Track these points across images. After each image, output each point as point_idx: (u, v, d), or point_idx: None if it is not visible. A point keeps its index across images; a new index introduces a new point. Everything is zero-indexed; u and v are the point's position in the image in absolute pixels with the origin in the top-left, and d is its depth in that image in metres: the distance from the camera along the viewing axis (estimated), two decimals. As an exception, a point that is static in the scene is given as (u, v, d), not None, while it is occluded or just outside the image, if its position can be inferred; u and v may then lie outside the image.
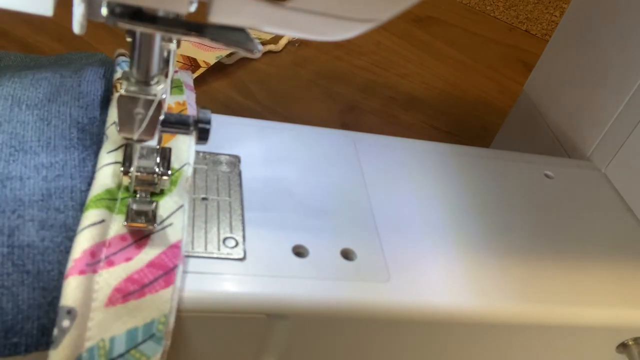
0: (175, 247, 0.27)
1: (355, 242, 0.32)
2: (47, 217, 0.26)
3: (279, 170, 0.35)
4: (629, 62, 0.44)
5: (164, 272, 0.26)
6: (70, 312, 0.23)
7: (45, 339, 0.23)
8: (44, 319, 0.23)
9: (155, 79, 0.25)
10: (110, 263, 0.25)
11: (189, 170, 0.31)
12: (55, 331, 0.23)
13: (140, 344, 0.23)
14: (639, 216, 0.41)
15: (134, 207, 0.27)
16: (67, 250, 0.25)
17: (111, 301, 0.24)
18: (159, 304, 0.25)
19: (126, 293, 0.24)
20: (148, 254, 0.26)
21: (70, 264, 0.24)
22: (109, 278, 0.25)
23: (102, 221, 0.26)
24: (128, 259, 0.25)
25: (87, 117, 0.32)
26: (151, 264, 0.26)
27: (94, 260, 0.25)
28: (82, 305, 0.23)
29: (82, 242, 0.25)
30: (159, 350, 0.24)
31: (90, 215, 0.26)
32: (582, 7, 0.50)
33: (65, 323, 0.23)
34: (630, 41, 0.44)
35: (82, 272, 0.24)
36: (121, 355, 0.23)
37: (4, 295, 0.23)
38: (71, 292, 0.23)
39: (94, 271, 0.24)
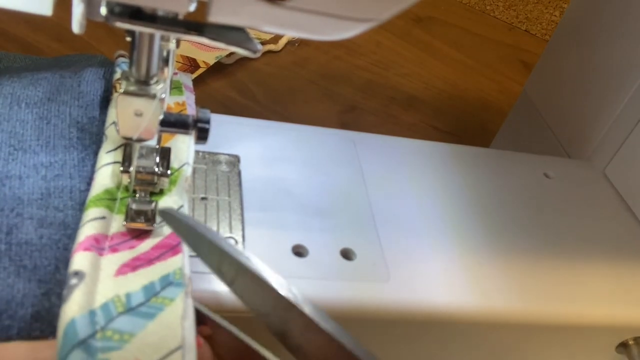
0: None
1: (355, 242, 0.32)
2: (46, 216, 0.26)
3: (279, 170, 0.35)
4: (628, 62, 0.44)
5: (169, 248, 0.26)
6: (77, 274, 0.23)
7: (38, 325, 0.23)
8: (37, 306, 0.23)
9: (155, 79, 0.25)
10: (114, 250, 0.25)
11: (188, 170, 0.31)
12: (65, 290, 0.22)
13: (159, 292, 0.23)
14: (639, 216, 0.40)
15: (134, 206, 0.27)
16: (65, 247, 0.25)
17: (120, 272, 0.24)
18: (170, 265, 0.25)
19: (134, 266, 0.24)
20: (150, 242, 0.26)
21: (75, 246, 0.24)
22: (115, 260, 0.25)
23: (103, 217, 0.26)
24: (132, 247, 0.26)
25: (86, 117, 0.32)
26: (155, 247, 0.26)
27: (98, 245, 0.25)
28: (90, 271, 0.23)
29: (86, 231, 0.25)
30: (181, 291, 0.23)
31: (91, 213, 0.26)
32: (582, 7, 0.50)
33: (73, 281, 0.22)
34: (630, 41, 0.44)
35: (87, 249, 0.24)
36: (142, 304, 0.22)
37: None
38: (77, 261, 0.23)
39: (100, 254, 0.24)
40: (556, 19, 0.92)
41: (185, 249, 0.26)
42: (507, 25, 0.92)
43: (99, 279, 0.23)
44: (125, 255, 0.25)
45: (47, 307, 0.23)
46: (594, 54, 0.48)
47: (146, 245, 0.26)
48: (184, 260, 0.25)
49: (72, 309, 0.22)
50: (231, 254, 0.21)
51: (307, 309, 0.19)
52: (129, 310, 0.22)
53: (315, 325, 0.19)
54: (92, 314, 0.22)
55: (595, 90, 0.47)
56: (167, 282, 0.24)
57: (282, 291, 0.19)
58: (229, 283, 0.21)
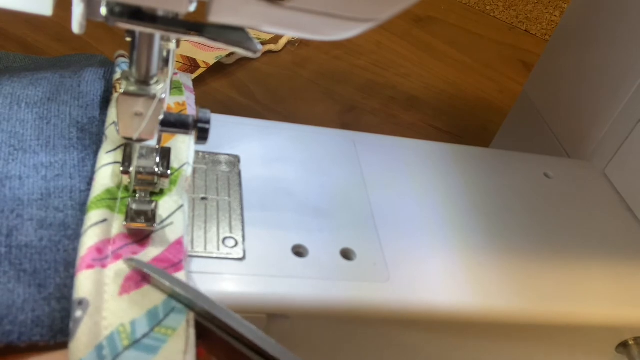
0: (178, 243, 0.27)
1: (355, 242, 0.32)
2: (46, 216, 0.26)
3: (279, 170, 0.35)
4: (628, 62, 0.44)
5: (170, 265, 0.26)
6: (81, 303, 0.23)
7: (39, 330, 0.23)
8: (38, 311, 0.23)
9: (155, 79, 0.25)
10: (118, 257, 0.25)
11: (188, 170, 0.31)
12: (70, 323, 0.23)
13: (163, 320, 0.23)
14: (639, 216, 0.40)
15: (134, 206, 0.27)
16: (65, 249, 0.25)
17: (124, 289, 0.24)
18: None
19: (138, 280, 0.24)
20: (152, 251, 0.26)
21: (78, 261, 0.24)
22: (119, 270, 0.25)
23: (105, 220, 0.26)
24: (134, 254, 0.26)
25: (86, 117, 0.32)
26: (157, 259, 0.26)
27: (101, 256, 0.25)
28: (94, 295, 0.23)
29: (87, 241, 0.25)
30: (183, 319, 0.23)
31: (93, 216, 0.26)
32: (582, 7, 0.50)
33: (78, 313, 0.23)
34: (630, 41, 0.44)
35: (90, 267, 0.24)
36: (146, 335, 0.23)
37: None
38: (80, 284, 0.23)
39: (103, 266, 0.24)
40: (556, 19, 0.92)
41: (187, 264, 0.26)
42: (507, 25, 0.92)
43: (104, 301, 0.23)
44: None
45: (47, 311, 0.23)
46: (594, 54, 0.48)
47: (148, 254, 0.26)
48: (187, 279, 0.25)
49: (79, 348, 0.22)
50: (180, 292, 0.24)
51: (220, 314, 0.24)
52: (134, 343, 0.22)
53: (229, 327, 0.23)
54: (99, 349, 0.22)
55: (595, 90, 0.47)
56: (170, 307, 0.24)
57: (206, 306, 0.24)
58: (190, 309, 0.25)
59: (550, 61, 0.53)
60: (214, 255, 0.29)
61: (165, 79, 0.26)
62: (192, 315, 0.24)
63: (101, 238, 0.25)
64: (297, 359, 0.23)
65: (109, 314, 0.23)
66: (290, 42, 0.73)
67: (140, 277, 0.25)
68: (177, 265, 0.26)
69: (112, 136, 0.31)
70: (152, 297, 0.24)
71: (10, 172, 0.27)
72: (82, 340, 0.22)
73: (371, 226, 0.33)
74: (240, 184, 0.33)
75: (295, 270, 0.29)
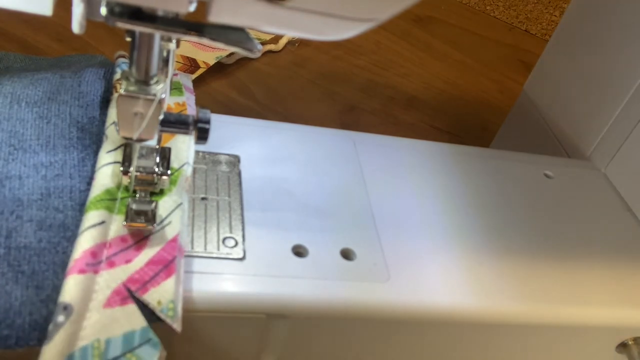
0: (173, 241, 0.27)
1: (355, 242, 0.32)
2: (45, 217, 0.26)
3: (279, 170, 0.35)
4: (628, 62, 0.44)
5: (163, 266, 0.26)
6: (66, 308, 0.23)
7: (36, 334, 0.23)
8: (35, 314, 0.23)
9: (155, 79, 0.25)
10: (111, 264, 0.25)
11: (188, 170, 0.31)
12: (50, 326, 0.23)
13: (136, 348, 0.23)
14: (639, 216, 0.40)
15: (134, 207, 0.27)
16: (64, 251, 0.25)
17: (109, 303, 0.24)
18: (162, 294, 0.25)
19: (124, 296, 0.24)
20: (147, 254, 0.26)
21: (71, 263, 0.24)
22: (109, 279, 0.24)
23: (103, 222, 0.26)
24: (128, 261, 0.25)
25: (86, 117, 0.32)
26: (150, 262, 0.26)
27: (94, 261, 0.25)
28: (80, 302, 0.23)
29: (83, 243, 0.25)
30: (156, 355, 0.23)
31: (91, 217, 0.26)
32: (582, 7, 0.50)
33: (60, 318, 0.23)
34: (630, 41, 0.44)
35: (82, 271, 0.24)
36: (116, 358, 0.23)
37: None
38: (69, 289, 0.23)
39: (95, 271, 0.24)
40: (556, 19, 0.92)
41: (180, 267, 0.26)
42: (507, 25, 0.92)
43: (88, 310, 0.23)
44: (119, 274, 0.25)
45: (45, 314, 0.23)
46: (593, 54, 0.48)
47: (142, 258, 0.26)
48: (177, 284, 0.25)
49: (52, 354, 0.22)
50: None
51: None
52: None
53: None
54: (69, 358, 0.22)
55: (595, 90, 0.47)
56: (146, 337, 0.24)
57: None
58: None
59: (550, 61, 0.53)
60: (214, 255, 0.29)
61: (165, 79, 0.26)
62: (164, 353, 0.24)
63: (97, 241, 0.25)
64: None
65: (89, 324, 0.23)
66: (290, 42, 0.73)
67: (127, 293, 0.25)
68: (169, 266, 0.26)
69: (112, 136, 0.31)
70: (133, 320, 0.24)
71: (10, 172, 0.27)
72: (57, 346, 0.22)
73: (371, 226, 0.33)
74: (240, 184, 0.33)
75: (295, 270, 0.29)
